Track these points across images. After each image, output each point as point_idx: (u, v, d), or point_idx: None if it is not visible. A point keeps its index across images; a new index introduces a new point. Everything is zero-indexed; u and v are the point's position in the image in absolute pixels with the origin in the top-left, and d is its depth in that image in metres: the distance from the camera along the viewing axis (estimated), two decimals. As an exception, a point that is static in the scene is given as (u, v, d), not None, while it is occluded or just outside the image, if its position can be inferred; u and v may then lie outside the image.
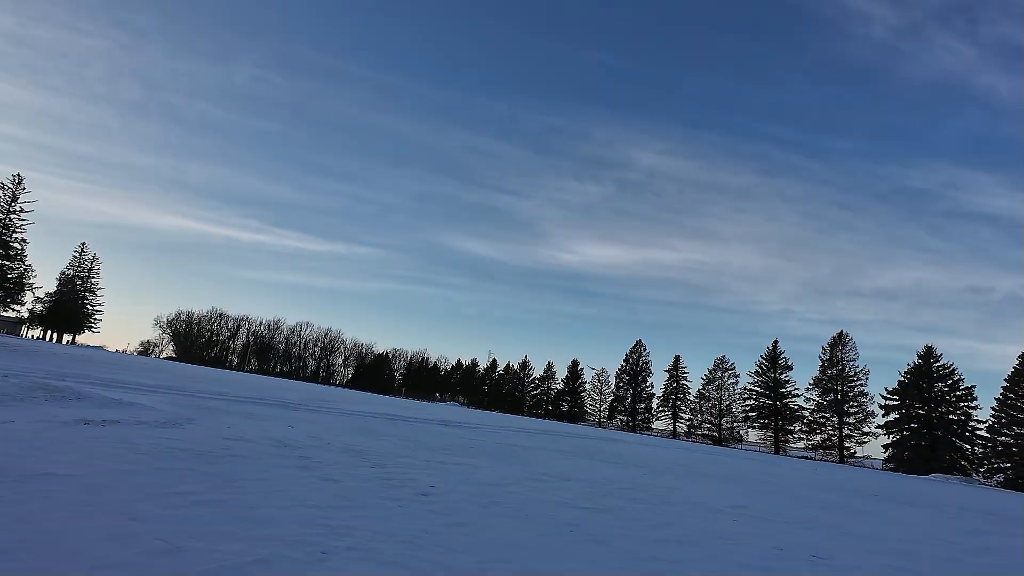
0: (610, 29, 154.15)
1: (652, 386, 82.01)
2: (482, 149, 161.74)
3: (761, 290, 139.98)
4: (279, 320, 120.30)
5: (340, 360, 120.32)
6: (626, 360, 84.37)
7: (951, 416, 54.49)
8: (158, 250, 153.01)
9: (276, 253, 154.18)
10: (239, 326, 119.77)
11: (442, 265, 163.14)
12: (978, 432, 53.05)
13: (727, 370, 74.48)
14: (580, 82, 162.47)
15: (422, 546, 4.35)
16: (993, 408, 52.07)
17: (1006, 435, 50.79)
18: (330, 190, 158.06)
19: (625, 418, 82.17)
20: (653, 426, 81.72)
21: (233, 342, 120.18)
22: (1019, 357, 51.92)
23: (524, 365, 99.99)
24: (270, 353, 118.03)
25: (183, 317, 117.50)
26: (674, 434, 77.65)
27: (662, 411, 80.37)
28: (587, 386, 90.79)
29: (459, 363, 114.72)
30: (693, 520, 7.27)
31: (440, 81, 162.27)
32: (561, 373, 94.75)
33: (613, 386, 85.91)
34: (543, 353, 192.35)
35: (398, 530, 4.73)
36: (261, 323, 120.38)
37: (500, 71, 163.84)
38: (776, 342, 69.87)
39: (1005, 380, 52.14)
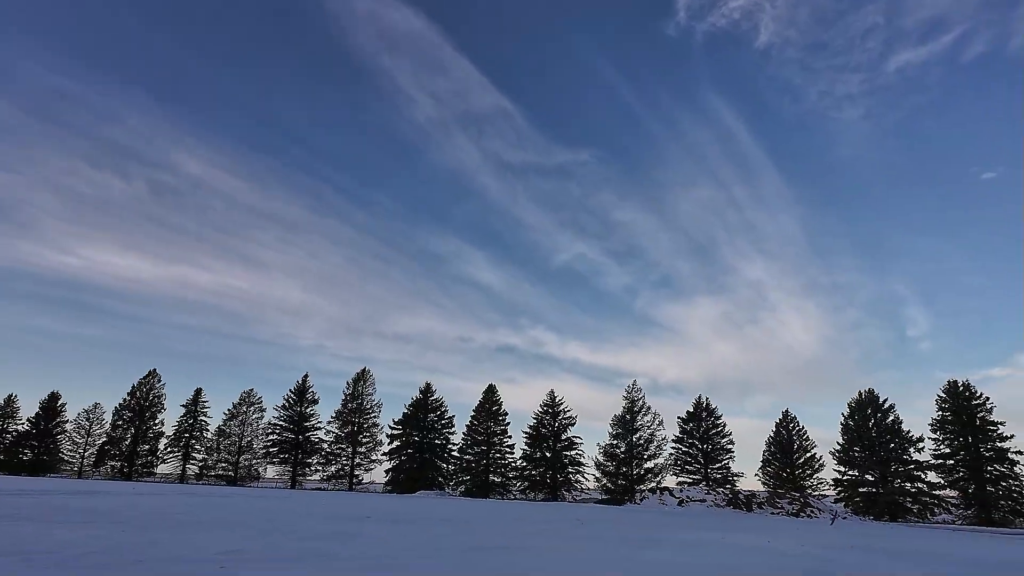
0: (178, 7, 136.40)
1: (163, 424, 71.16)
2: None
3: (298, 324, 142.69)
4: None
5: None
6: (131, 394, 71.00)
7: (436, 441, 66.51)
8: None
9: None
10: None
11: None
12: (452, 453, 66.33)
13: (253, 404, 71.48)
14: (120, 51, 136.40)
15: None
16: (464, 433, 66.24)
17: (469, 454, 65.15)
18: None
19: (120, 463, 68.32)
20: (157, 471, 70.50)
21: None
22: (483, 393, 68.16)
23: (-34, 400, 72.04)
24: None
25: None
26: (182, 478, 68.95)
27: (171, 452, 70.42)
28: (69, 426, 71.93)
29: None
30: (164, 579, 6.20)
31: None
32: (31, 410, 72.46)
33: (109, 425, 70.70)
34: (6, 384, 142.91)
35: None
36: None
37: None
38: (307, 376, 71.46)
39: (472, 411, 67.39)
